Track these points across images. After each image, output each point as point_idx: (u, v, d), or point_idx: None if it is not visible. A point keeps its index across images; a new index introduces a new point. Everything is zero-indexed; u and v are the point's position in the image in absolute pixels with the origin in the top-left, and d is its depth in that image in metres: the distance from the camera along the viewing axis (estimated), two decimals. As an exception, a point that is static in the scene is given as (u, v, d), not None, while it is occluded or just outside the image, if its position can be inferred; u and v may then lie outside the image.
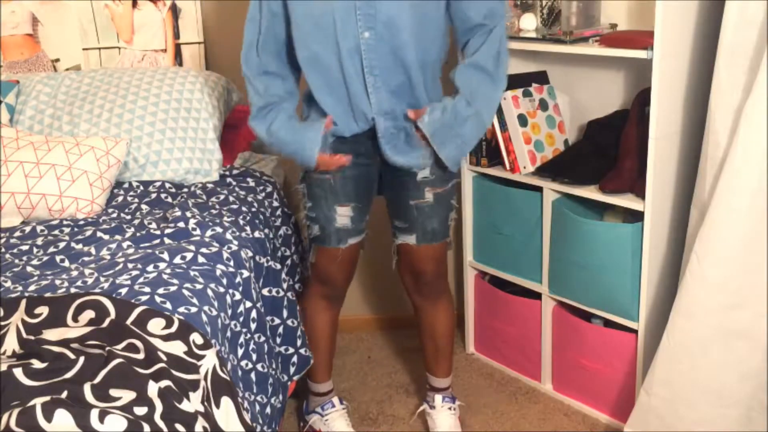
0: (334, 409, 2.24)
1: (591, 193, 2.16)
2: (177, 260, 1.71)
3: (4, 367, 1.25)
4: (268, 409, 1.77)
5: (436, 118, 1.86)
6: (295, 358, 2.05)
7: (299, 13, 1.82)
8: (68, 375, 1.25)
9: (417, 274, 2.10)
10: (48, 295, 1.52)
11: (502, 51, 1.87)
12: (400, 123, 1.89)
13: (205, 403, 1.33)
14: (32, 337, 1.39)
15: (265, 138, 1.93)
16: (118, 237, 1.88)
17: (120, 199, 2.16)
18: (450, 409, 2.25)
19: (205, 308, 1.55)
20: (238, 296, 1.73)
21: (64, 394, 1.19)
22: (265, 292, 1.95)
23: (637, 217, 2.07)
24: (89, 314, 1.43)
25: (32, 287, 1.60)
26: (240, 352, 1.69)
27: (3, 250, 1.85)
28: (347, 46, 1.79)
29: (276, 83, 1.92)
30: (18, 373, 1.23)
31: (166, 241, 1.85)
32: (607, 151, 2.21)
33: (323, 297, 2.14)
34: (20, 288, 1.60)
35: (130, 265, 1.68)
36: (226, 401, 1.40)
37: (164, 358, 1.34)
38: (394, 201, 2.02)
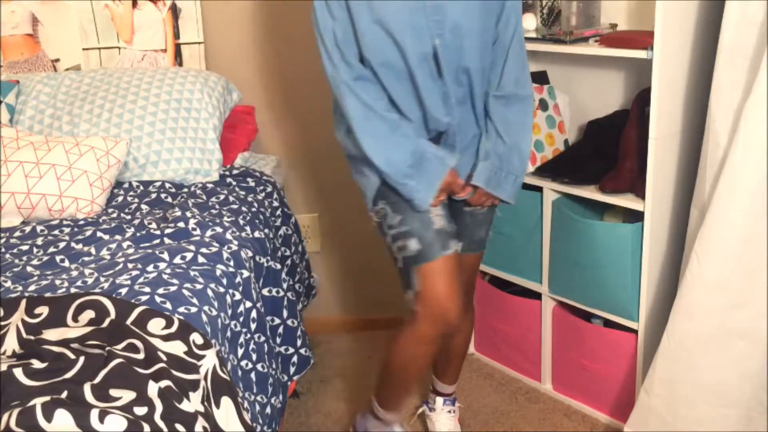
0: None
1: (591, 193, 2.16)
2: (177, 260, 1.70)
3: (4, 367, 1.25)
4: (268, 409, 1.77)
5: (482, 168, 1.84)
6: (295, 358, 2.05)
7: (365, 18, 1.69)
8: (68, 375, 1.25)
9: None
10: (48, 295, 1.52)
11: (524, 61, 1.85)
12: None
13: (205, 403, 1.33)
14: (32, 337, 1.39)
15: (383, 165, 1.74)
16: (118, 237, 1.88)
17: (120, 199, 2.16)
18: (450, 411, 2.25)
19: (205, 308, 1.55)
20: (238, 296, 1.73)
21: (64, 394, 1.19)
22: (265, 292, 1.95)
23: (637, 217, 2.07)
24: (89, 314, 1.43)
25: (32, 287, 1.60)
26: (240, 352, 1.69)
27: (3, 250, 1.85)
28: (417, 53, 1.70)
29: (379, 92, 1.75)
30: (18, 373, 1.23)
31: (166, 241, 1.84)
32: (607, 151, 2.21)
33: (432, 341, 1.81)
34: (20, 288, 1.60)
35: (130, 265, 1.68)
36: (226, 401, 1.40)
37: (164, 358, 1.34)
38: (447, 206, 1.85)
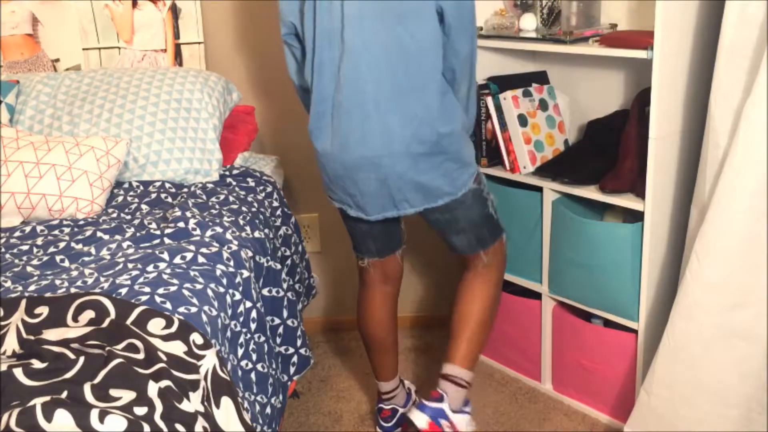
0: None
1: (591, 193, 2.16)
2: (177, 260, 1.70)
3: (4, 367, 1.25)
4: (268, 409, 1.77)
5: None
6: (295, 358, 2.05)
7: None
8: (68, 375, 1.25)
9: None
10: (48, 295, 1.52)
11: None
12: None
13: (205, 403, 1.33)
14: (32, 337, 1.39)
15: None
16: (118, 237, 1.88)
17: (120, 199, 2.16)
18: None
19: (205, 308, 1.55)
20: (238, 296, 1.73)
21: (64, 394, 1.19)
22: (265, 292, 1.95)
23: (637, 217, 2.07)
24: (89, 314, 1.43)
25: (32, 287, 1.60)
26: (240, 352, 1.69)
27: (3, 250, 1.85)
28: None
29: None
30: (18, 373, 1.23)
31: (166, 241, 1.84)
32: (607, 151, 2.21)
33: None
34: (20, 288, 1.60)
35: (130, 265, 1.68)
36: (226, 401, 1.40)
37: (164, 358, 1.34)
38: None
